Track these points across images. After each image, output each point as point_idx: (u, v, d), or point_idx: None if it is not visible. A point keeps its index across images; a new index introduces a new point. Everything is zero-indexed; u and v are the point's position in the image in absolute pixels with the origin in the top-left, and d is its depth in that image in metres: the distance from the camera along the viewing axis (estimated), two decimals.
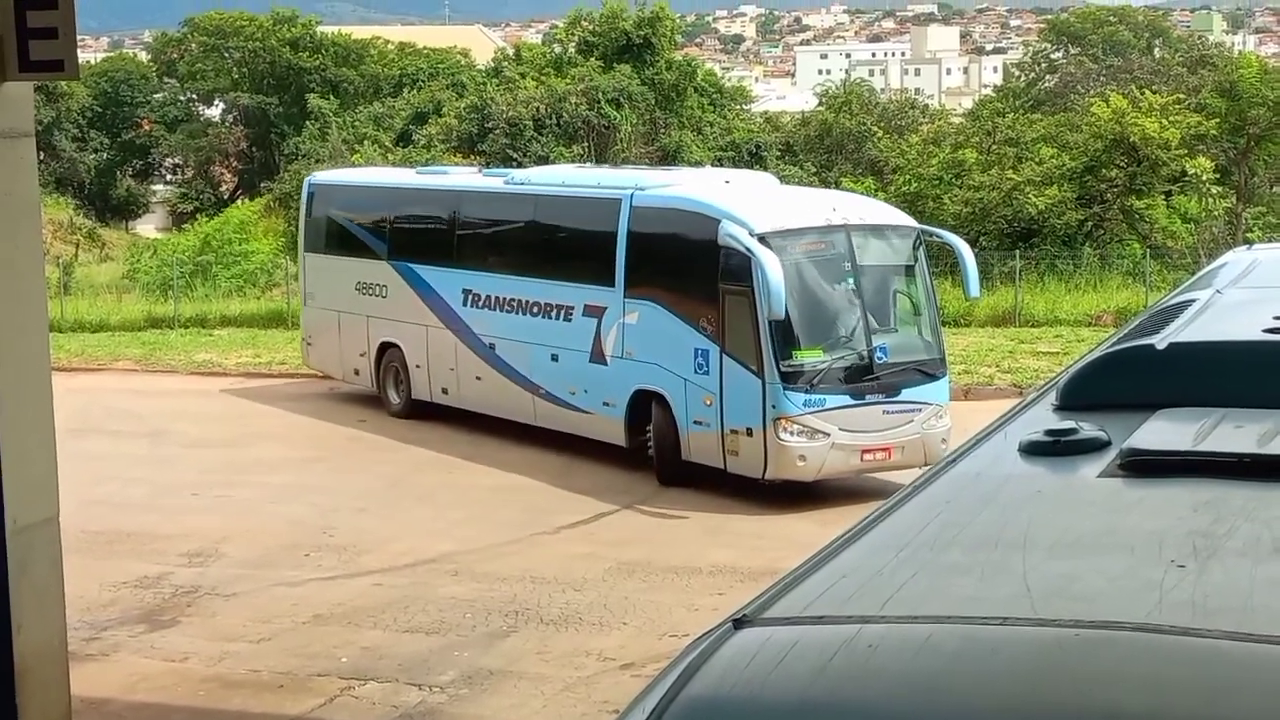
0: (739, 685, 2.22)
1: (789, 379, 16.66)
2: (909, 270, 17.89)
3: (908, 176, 37.91)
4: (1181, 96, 38.04)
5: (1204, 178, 34.55)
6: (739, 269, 16.84)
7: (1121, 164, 36.03)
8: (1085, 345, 18.88)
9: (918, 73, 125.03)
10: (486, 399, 20.86)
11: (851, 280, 17.30)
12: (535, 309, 20.00)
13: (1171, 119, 35.52)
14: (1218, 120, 36.34)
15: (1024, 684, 2.13)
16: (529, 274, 20.22)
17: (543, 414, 19.92)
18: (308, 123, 56.47)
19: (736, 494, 17.35)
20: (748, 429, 16.93)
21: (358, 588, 14.48)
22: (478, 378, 20.91)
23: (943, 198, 36.23)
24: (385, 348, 22.61)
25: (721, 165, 39.73)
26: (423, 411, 21.93)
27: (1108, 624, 2.22)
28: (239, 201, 56.32)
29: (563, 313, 19.53)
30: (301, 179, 45.91)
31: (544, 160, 39.35)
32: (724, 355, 17.16)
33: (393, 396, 22.65)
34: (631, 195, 18.80)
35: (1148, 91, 38.21)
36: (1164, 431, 3.05)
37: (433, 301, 21.73)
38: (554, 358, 19.59)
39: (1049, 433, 3.14)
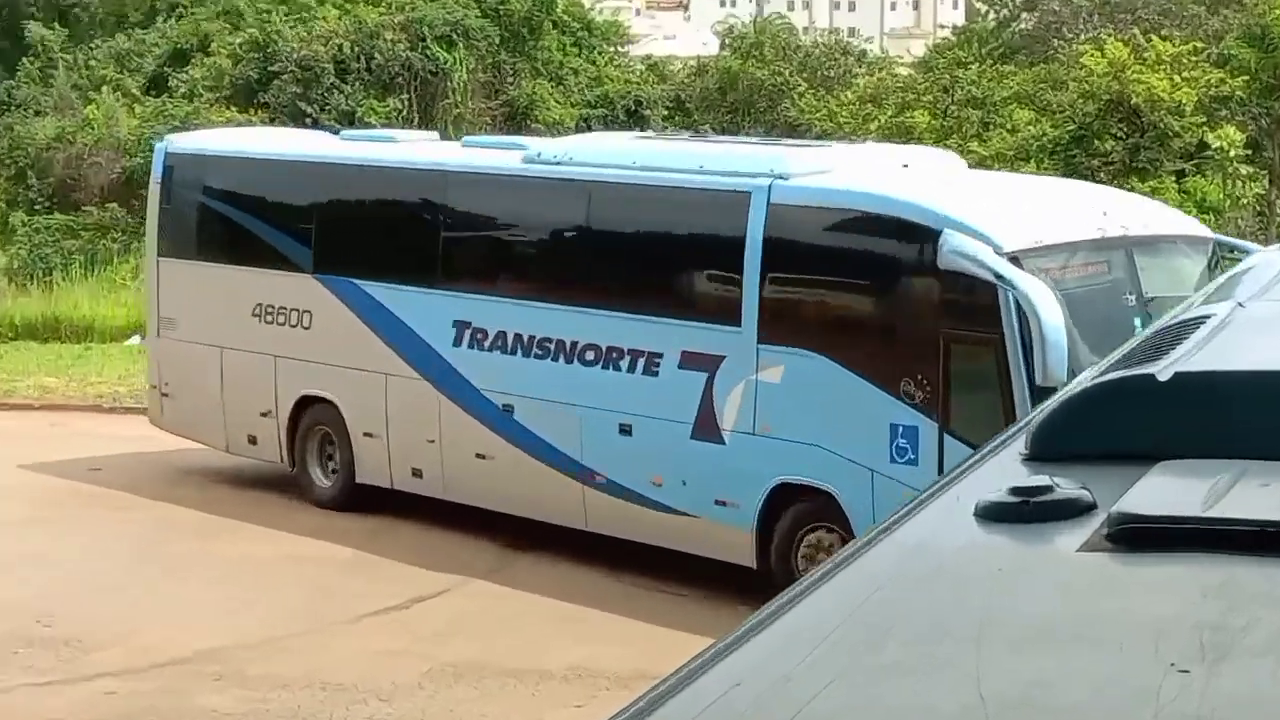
0: None
1: None
2: None
3: None
4: (1199, 45, 38.61)
5: (1231, 154, 35.05)
6: (974, 305, 15.62)
7: (1120, 134, 36.51)
8: None
9: (852, 7, 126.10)
10: (496, 487, 18.84)
11: (1137, 320, 15.05)
12: (590, 355, 18.10)
13: (1186, 75, 36.08)
14: (1246, 78, 36.96)
15: None
16: (578, 301, 18.33)
17: (600, 513, 17.97)
18: (24, 60, 55.79)
19: (600, 561, 17.37)
20: None
21: (83, 696, 14.32)
22: (480, 455, 18.94)
23: None
24: (306, 403, 20.62)
25: (590, 126, 39.80)
26: (372, 500, 20.11)
27: None
28: None
29: (642, 362, 17.71)
30: (13, 134, 45.61)
31: (349, 117, 39.16)
32: (944, 435, 15.47)
33: (318, 477, 20.71)
34: (769, 187, 17.02)
35: (1155, 38, 38.77)
36: (1165, 491, 3.08)
37: (398, 337, 19.73)
38: (624, 430, 17.79)
39: (1015, 491, 3.16)
